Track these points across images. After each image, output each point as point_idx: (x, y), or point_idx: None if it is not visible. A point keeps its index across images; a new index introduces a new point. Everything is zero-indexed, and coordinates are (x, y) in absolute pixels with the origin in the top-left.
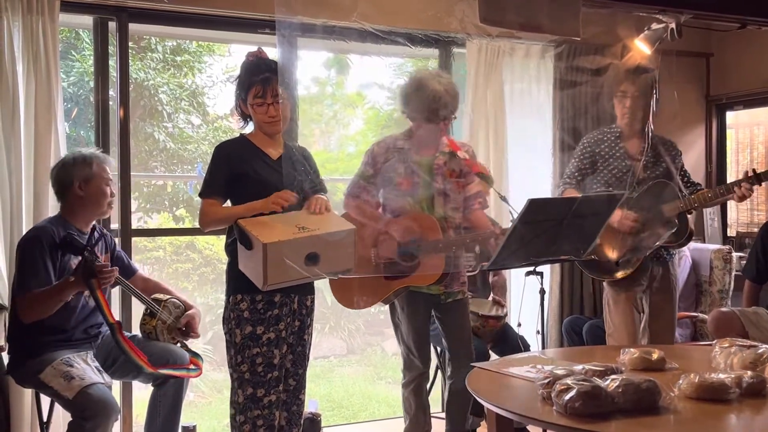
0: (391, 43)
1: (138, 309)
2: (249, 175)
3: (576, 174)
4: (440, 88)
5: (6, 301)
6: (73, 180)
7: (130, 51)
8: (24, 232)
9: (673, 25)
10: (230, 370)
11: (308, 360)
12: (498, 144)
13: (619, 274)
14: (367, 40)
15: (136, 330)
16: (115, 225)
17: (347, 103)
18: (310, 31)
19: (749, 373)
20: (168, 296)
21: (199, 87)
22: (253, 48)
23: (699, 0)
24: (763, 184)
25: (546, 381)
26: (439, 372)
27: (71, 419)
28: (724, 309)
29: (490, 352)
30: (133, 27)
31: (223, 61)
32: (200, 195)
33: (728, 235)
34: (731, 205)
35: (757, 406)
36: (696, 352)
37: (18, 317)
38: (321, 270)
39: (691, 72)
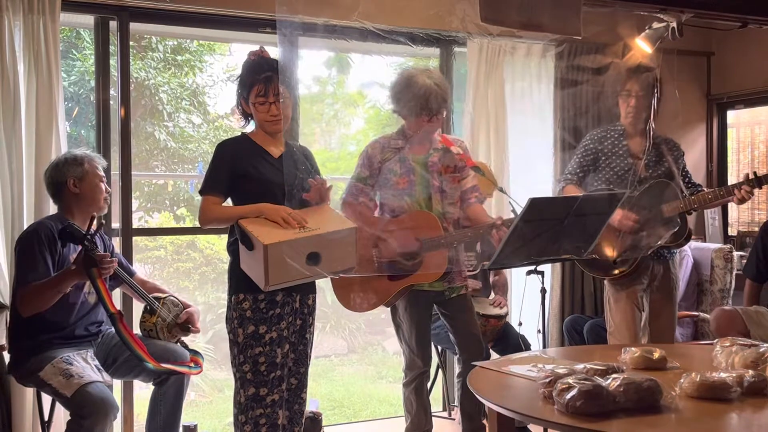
0: (392, 42)
1: (138, 310)
2: (250, 173)
3: (578, 171)
4: (430, 82)
5: (7, 301)
6: (67, 179)
7: (131, 50)
8: None
9: (674, 24)
10: (233, 369)
11: (310, 359)
12: (499, 143)
13: (617, 271)
14: (368, 40)
15: (136, 330)
16: (116, 224)
17: (348, 102)
18: (311, 30)
19: (750, 372)
20: (166, 294)
21: (200, 86)
22: (254, 47)
23: None
24: (764, 187)
25: (547, 380)
26: (440, 371)
27: (70, 418)
28: (726, 307)
29: (491, 351)
30: (133, 26)
31: (223, 60)
32: (201, 192)
33: (729, 234)
34: (732, 204)
35: (758, 405)
36: (697, 351)
37: (18, 312)
38: (323, 269)
39: (692, 71)
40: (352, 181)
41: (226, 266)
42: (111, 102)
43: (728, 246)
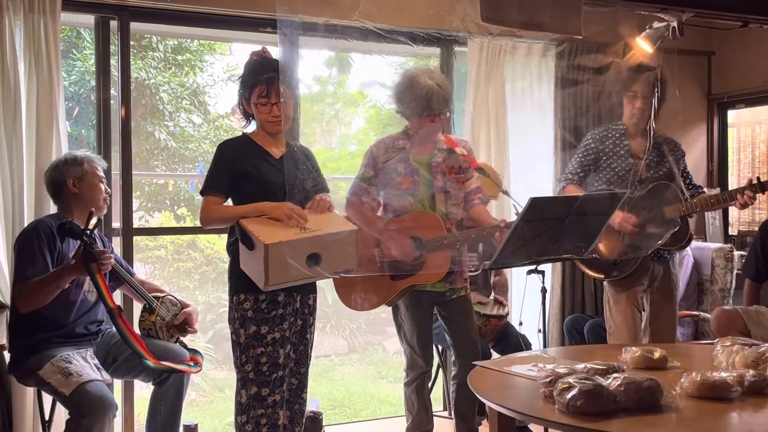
0: (392, 41)
1: (138, 312)
2: (251, 174)
3: (578, 170)
4: (432, 83)
5: (7, 300)
6: (66, 178)
7: (131, 50)
8: None
9: (674, 24)
10: (236, 369)
11: (310, 359)
12: (499, 142)
13: (616, 274)
14: (368, 39)
15: (135, 330)
16: (116, 224)
17: (349, 102)
18: (311, 29)
19: (751, 371)
20: (165, 294)
21: (201, 86)
22: (255, 47)
23: None
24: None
25: (548, 380)
26: (441, 371)
27: (69, 417)
28: (727, 307)
29: (492, 350)
30: (134, 26)
31: (224, 59)
32: (202, 192)
33: (730, 233)
34: None
35: (758, 405)
36: (698, 350)
37: (17, 310)
38: (323, 270)
39: (693, 70)
40: (356, 181)
41: (227, 266)
42: (111, 102)
43: (729, 245)
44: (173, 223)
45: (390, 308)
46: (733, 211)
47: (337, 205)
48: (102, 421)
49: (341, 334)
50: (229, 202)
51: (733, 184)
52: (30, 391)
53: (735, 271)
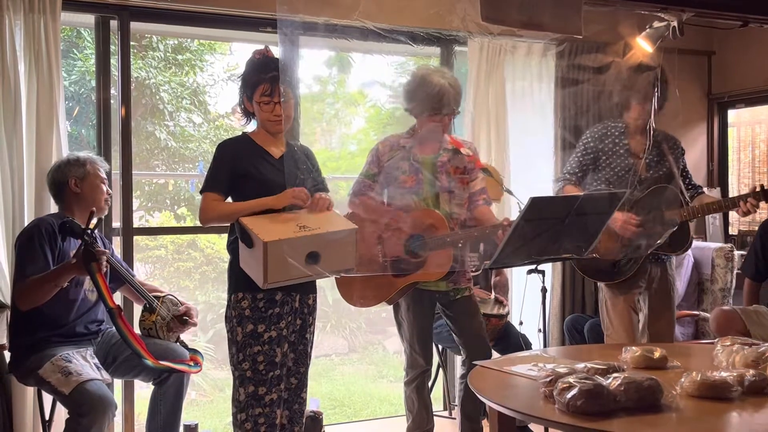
0: (392, 41)
1: (138, 314)
2: (251, 173)
3: (576, 170)
4: (444, 82)
5: (7, 300)
6: (68, 179)
7: (131, 49)
8: None
9: (674, 23)
10: (232, 368)
11: (310, 358)
12: (499, 142)
13: (618, 278)
14: (368, 39)
15: (135, 330)
16: (116, 223)
17: (349, 102)
18: (311, 29)
19: (751, 371)
20: (165, 293)
21: (201, 85)
22: (255, 47)
23: None
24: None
25: (548, 379)
26: (441, 370)
27: (68, 416)
28: (725, 308)
29: (492, 350)
30: (134, 25)
31: (224, 59)
32: (202, 190)
33: (730, 233)
34: None
35: (759, 405)
36: (698, 350)
37: (17, 307)
38: (322, 269)
39: (693, 70)
40: (360, 177)
41: (227, 265)
42: (112, 101)
43: (729, 245)
44: (173, 223)
45: (390, 307)
46: (733, 211)
47: (338, 205)
48: (101, 421)
49: (341, 333)
50: (230, 201)
51: (733, 183)
52: (30, 391)
53: (735, 271)
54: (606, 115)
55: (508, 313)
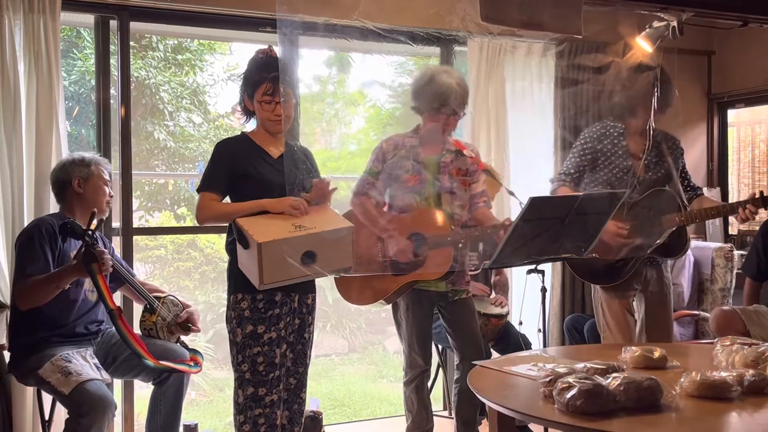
0: (392, 41)
1: (139, 314)
2: (250, 173)
3: (573, 171)
4: (451, 81)
5: (7, 300)
6: (72, 178)
7: (131, 49)
8: None
9: (674, 23)
10: (233, 369)
11: (309, 359)
12: (499, 142)
13: (613, 281)
14: (368, 39)
15: (135, 330)
16: (116, 223)
17: (349, 102)
18: (311, 29)
19: (751, 371)
20: (166, 294)
21: (200, 85)
22: (255, 46)
23: None
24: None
25: (548, 379)
26: (441, 370)
27: (68, 416)
28: (725, 307)
29: (492, 350)
30: (134, 25)
31: (224, 59)
32: (198, 189)
33: (730, 233)
34: None
35: (758, 405)
36: (697, 350)
37: (17, 307)
38: (319, 268)
39: (693, 70)
40: (363, 175)
41: (226, 266)
42: (111, 101)
43: (729, 245)
44: (173, 223)
45: (390, 307)
46: None
47: (337, 204)
48: (101, 421)
49: (341, 333)
50: (227, 200)
51: (732, 183)
52: (30, 391)
53: (735, 271)
54: (606, 116)
55: (507, 313)
